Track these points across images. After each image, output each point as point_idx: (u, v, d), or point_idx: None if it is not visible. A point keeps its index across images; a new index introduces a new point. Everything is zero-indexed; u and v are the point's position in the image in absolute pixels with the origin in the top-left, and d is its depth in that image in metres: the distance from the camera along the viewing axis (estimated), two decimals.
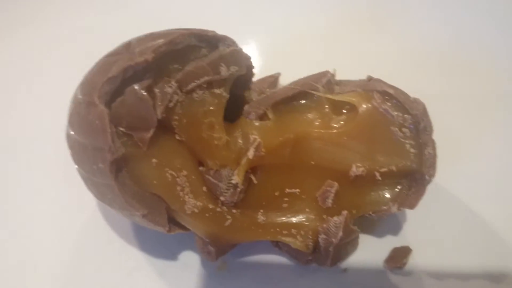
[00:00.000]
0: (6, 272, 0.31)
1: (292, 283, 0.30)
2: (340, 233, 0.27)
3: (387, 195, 0.29)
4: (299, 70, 0.39)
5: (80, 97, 0.25)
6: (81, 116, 0.24)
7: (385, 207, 0.28)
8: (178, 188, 0.26)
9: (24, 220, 0.33)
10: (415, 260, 0.30)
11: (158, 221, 0.26)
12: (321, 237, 0.28)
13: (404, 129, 0.28)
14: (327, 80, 0.30)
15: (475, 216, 0.32)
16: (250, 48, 0.44)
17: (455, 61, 0.41)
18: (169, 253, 0.31)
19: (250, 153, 0.27)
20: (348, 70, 0.32)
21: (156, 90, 0.25)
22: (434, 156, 0.28)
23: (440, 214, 0.32)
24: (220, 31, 0.28)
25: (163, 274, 0.30)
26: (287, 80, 0.39)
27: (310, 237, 0.28)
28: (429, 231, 0.31)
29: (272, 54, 0.44)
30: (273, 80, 0.39)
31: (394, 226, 0.32)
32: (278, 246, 0.30)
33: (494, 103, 0.38)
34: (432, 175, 0.28)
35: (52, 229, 0.33)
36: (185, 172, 0.26)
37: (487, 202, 0.32)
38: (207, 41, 0.27)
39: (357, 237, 0.29)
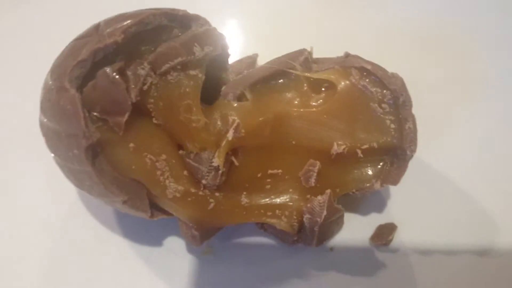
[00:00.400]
0: None
1: (279, 264, 0.30)
2: (325, 212, 0.27)
3: (370, 172, 0.28)
4: (277, 50, 0.38)
5: (51, 82, 0.25)
6: (52, 102, 0.24)
7: (368, 184, 0.28)
8: (158, 172, 0.26)
9: (4, 211, 0.33)
10: (401, 237, 0.30)
11: (139, 206, 0.25)
12: (306, 217, 0.27)
13: (383, 105, 0.28)
14: (304, 58, 0.30)
15: (459, 190, 0.32)
16: (227, 29, 0.43)
17: (434, 36, 0.40)
18: (153, 239, 0.31)
19: (230, 135, 0.26)
20: (327, 49, 0.32)
21: (129, 73, 0.24)
22: (414, 131, 0.27)
23: (424, 190, 0.32)
24: (195, 11, 0.27)
25: (148, 261, 0.30)
26: (265, 61, 0.39)
27: (295, 217, 0.28)
28: (413, 207, 0.31)
29: (249, 35, 0.43)
30: (251, 61, 0.39)
31: (378, 203, 0.32)
32: (263, 228, 0.30)
33: (474, 77, 0.38)
34: (413, 150, 0.27)
35: (34, 219, 0.32)
36: (164, 156, 0.26)
37: (470, 175, 0.32)
38: (179, 21, 0.27)
39: (342, 216, 0.29)
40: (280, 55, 0.32)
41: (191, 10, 0.27)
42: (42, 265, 0.30)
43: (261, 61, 0.39)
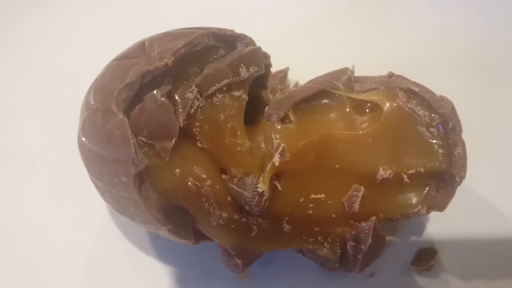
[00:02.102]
0: (20, 285, 0.30)
1: None
2: (369, 240, 0.26)
3: (415, 198, 0.28)
4: (305, 63, 0.38)
5: (93, 103, 0.24)
6: (97, 125, 0.23)
7: (413, 210, 0.27)
8: (203, 199, 0.25)
9: (35, 231, 0.32)
10: (442, 261, 0.30)
11: (183, 234, 0.24)
12: (350, 244, 0.27)
13: (431, 129, 0.27)
14: (347, 78, 0.29)
15: (500, 215, 0.31)
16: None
17: (476, 55, 0.40)
18: (189, 262, 0.30)
19: (276, 160, 0.26)
20: (356, 62, 0.30)
21: (176, 96, 0.24)
22: (464, 157, 0.27)
23: (463, 213, 0.31)
24: (220, 24, 0.27)
25: (184, 286, 0.29)
26: (296, 75, 0.38)
27: (338, 244, 0.27)
28: (454, 231, 0.31)
29: (277, 48, 0.42)
30: (282, 75, 0.38)
31: (418, 227, 0.31)
32: (302, 253, 0.29)
33: None
34: (462, 177, 0.27)
35: (65, 240, 0.31)
36: (209, 182, 0.25)
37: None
38: (225, 41, 0.26)
39: (384, 241, 0.28)
40: (309, 67, 0.31)
41: (211, 24, 0.27)
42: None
43: (291, 75, 0.38)
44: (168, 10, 0.46)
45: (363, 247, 0.26)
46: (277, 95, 0.32)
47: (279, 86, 0.36)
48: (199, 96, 0.24)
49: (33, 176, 0.34)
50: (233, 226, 0.26)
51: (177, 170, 0.24)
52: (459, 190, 0.27)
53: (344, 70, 0.29)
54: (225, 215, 0.25)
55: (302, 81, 0.34)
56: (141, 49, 0.24)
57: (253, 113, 0.28)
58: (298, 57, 0.40)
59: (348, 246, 0.27)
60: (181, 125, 0.23)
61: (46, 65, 0.42)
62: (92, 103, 0.24)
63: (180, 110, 0.23)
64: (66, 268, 0.30)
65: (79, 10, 0.46)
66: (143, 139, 0.23)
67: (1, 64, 0.43)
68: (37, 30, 0.45)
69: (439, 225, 0.31)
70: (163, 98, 0.23)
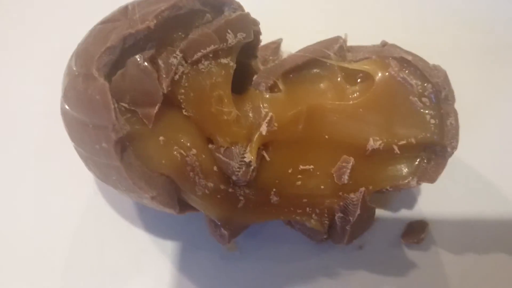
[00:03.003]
0: (8, 258, 0.30)
1: (306, 262, 0.29)
2: (358, 211, 0.26)
3: (406, 169, 0.27)
4: (300, 34, 0.37)
5: (75, 69, 0.23)
6: (78, 90, 0.22)
7: (403, 182, 0.27)
8: (188, 168, 0.24)
9: (20, 203, 0.32)
10: (432, 234, 0.29)
11: (167, 203, 0.24)
12: (338, 215, 0.26)
13: (424, 99, 0.26)
14: (339, 47, 0.28)
15: (491, 187, 0.31)
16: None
17: (471, 27, 0.39)
18: (176, 234, 0.29)
19: (263, 129, 0.25)
20: (354, 33, 0.30)
21: (160, 61, 0.23)
22: (456, 127, 0.26)
23: (456, 186, 0.31)
24: None
25: (170, 257, 0.29)
26: (289, 46, 0.37)
27: (326, 215, 0.27)
28: (445, 203, 0.30)
29: (271, 18, 0.41)
30: (275, 46, 0.37)
31: (408, 200, 0.31)
32: (290, 224, 0.29)
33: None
34: (454, 147, 0.26)
35: (52, 211, 0.31)
36: (194, 151, 0.24)
37: (505, 172, 0.31)
38: (211, 5, 0.25)
39: (374, 213, 0.28)
40: (303, 38, 0.30)
41: None
42: (61, 260, 0.29)
43: (284, 46, 0.37)
44: None
45: (351, 218, 0.26)
46: (269, 65, 0.31)
47: (271, 57, 0.35)
48: (183, 62, 0.24)
49: (18, 147, 0.34)
50: (219, 196, 0.25)
51: (161, 138, 0.23)
52: (450, 162, 0.26)
53: (336, 39, 0.29)
54: (211, 185, 0.25)
55: None
56: (124, 12, 0.23)
57: (242, 82, 0.28)
58: (292, 28, 0.39)
59: (336, 218, 0.26)
60: (165, 91, 0.23)
61: (32, 32, 0.41)
62: (74, 68, 0.23)
63: (164, 76, 0.23)
64: (52, 240, 0.30)
65: None
66: (125, 105, 0.23)
67: None
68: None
69: (430, 198, 0.30)
70: (145, 63, 0.22)
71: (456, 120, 0.26)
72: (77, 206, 0.31)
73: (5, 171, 0.33)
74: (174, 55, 0.23)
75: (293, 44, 0.36)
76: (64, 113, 0.24)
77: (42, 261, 0.29)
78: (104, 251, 0.29)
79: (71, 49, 0.26)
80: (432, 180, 0.27)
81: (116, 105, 0.22)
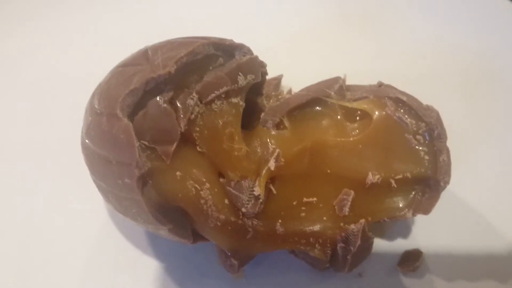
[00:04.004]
0: (21, 282, 0.31)
1: None
2: (359, 242, 0.27)
3: (402, 201, 0.29)
4: (298, 71, 0.39)
5: (98, 108, 0.25)
6: (102, 129, 0.24)
7: (400, 213, 0.29)
8: (202, 201, 0.26)
9: (36, 230, 0.33)
10: (426, 263, 0.31)
11: (182, 234, 0.25)
12: (340, 245, 0.28)
13: (418, 136, 0.29)
14: (339, 86, 0.30)
15: (482, 219, 0.33)
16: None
17: (461, 66, 0.42)
18: (186, 262, 0.31)
19: (271, 164, 0.27)
20: (347, 71, 0.32)
21: (178, 102, 0.25)
22: (448, 163, 0.28)
23: (448, 217, 0.33)
24: (213, 33, 0.28)
25: (180, 284, 0.30)
26: (289, 82, 0.39)
27: (328, 245, 0.28)
28: (438, 233, 0.32)
29: (271, 56, 0.44)
30: (276, 82, 0.39)
31: (403, 229, 0.33)
32: (294, 253, 0.30)
33: (502, 108, 0.39)
34: (447, 182, 0.28)
35: (64, 240, 0.32)
36: (207, 185, 0.26)
37: (495, 205, 0.33)
38: (224, 50, 0.27)
39: (372, 243, 0.30)
40: (302, 75, 0.33)
41: (208, 33, 0.28)
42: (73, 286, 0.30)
43: (284, 82, 0.40)
44: (166, 18, 0.47)
45: (352, 248, 0.28)
46: (271, 101, 0.33)
47: (273, 93, 0.37)
48: (199, 102, 0.25)
49: (35, 177, 0.35)
50: (230, 228, 0.27)
51: (177, 173, 0.25)
52: (443, 195, 0.28)
53: (336, 79, 0.31)
54: (222, 217, 0.26)
55: (295, 88, 0.35)
56: (144, 57, 0.25)
57: (248, 118, 0.30)
58: (291, 65, 0.42)
59: (338, 247, 0.28)
60: (182, 130, 0.24)
61: (48, 69, 0.43)
62: (96, 107, 0.25)
63: (182, 116, 0.24)
64: (66, 267, 0.31)
65: (80, 17, 0.48)
66: (146, 143, 0.24)
67: (6, 67, 0.44)
68: (40, 36, 0.46)
69: (424, 228, 0.32)
70: (165, 105, 0.24)
71: (448, 157, 0.28)
72: (90, 236, 0.32)
73: (20, 199, 0.34)
74: (191, 96, 0.25)
75: (292, 80, 0.39)
76: (85, 148, 0.26)
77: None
78: (116, 278, 0.30)
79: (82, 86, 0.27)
80: (426, 211, 0.28)
81: (138, 143, 0.23)
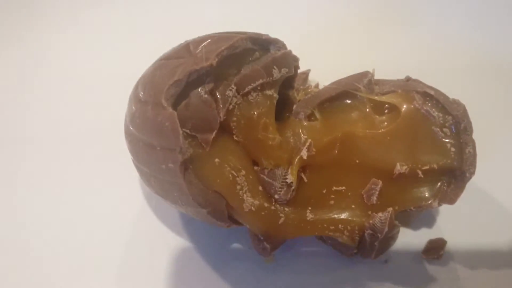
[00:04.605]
0: (56, 269, 0.32)
1: (337, 274, 0.31)
2: (386, 229, 0.29)
3: (428, 191, 0.30)
4: (325, 66, 0.40)
5: (143, 97, 0.26)
6: (147, 117, 0.25)
7: (426, 203, 0.30)
8: (238, 187, 0.27)
9: (73, 215, 0.35)
10: (450, 251, 0.32)
11: (219, 217, 0.27)
12: (368, 232, 0.29)
13: (445, 129, 0.29)
14: (368, 80, 0.31)
15: (505, 209, 0.34)
16: None
17: (488, 60, 0.42)
18: (219, 245, 0.32)
19: (304, 153, 0.28)
20: (374, 65, 0.33)
21: (218, 94, 0.26)
22: (474, 155, 0.29)
23: (473, 207, 0.33)
24: (239, 28, 0.30)
25: (213, 267, 0.31)
26: (316, 76, 0.40)
27: (357, 232, 0.29)
28: (463, 223, 0.33)
29: (299, 51, 0.45)
30: (304, 76, 0.41)
31: (429, 219, 0.33)
32: (322, 239, 0.31)
33: None
34: (472, 173, 0.29)
35: (102, 225, 0.34)
36: (243, 172, 0.27)
37: None
38: (260, 44, 0.29)
39: (398, 231, 0.31)
40: (328, 70, 0.34)
41: (235, 27, 0.30)
42: (110, 271, 0.32)
43: (312, 76, 0.41)
44: (196, 15, 0.49)
45: (379, 235, 0.29)
46: (299, 94, 0.34)
47: (301, 87, 0.38)
48: (237, 94, 0.27)
49: (74, 163, 0.37)
50: (263, 213, 0.28)
51: (216, 160, 0.27)
52: (468, 186, 0.29)
53: (365, 74, 0.32)
54: (256, 202, 0.28)
55: (322, 82, 0.37)
56: (187, 50, 0.27)
57: (281, 110, 0.31)
58: (318, 59, 0.42)
59: (366, 234, 0.29)
60: (221, 119, 0.26)
61: (93, 64, 0.46)
62: (141, 96, 0.26)
63: (221, 106, 0.26)
64: (104, 252, 0.33)
65: (121, 14, 0.51)
66: (187, 131, 0.26)
67: (57, 61, 0.46)
68: (87, 30, 0.49)
69: (449, 218, 0.33)
70: (206, 95, 0.26)
71: (474, 148, 0.29)
72: (126, 220, 0.34)
73: (59, 186, 0.36)
74: (230, 88, 0.26)
75: (319, 74, 0.40)
76: (130, 135, 0.27)
77: (94, 271, 0.32)
78: (152, 262, 0.32)
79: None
80: (451, 201, 0.29)
81: (181, 131, 0.25)
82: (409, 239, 0.33)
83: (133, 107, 0.27)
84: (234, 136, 0.28)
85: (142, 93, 0.27)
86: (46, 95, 0.43)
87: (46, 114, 0.41)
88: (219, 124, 0.26)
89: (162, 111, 0.25)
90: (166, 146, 0.25)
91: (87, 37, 0.48)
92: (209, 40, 0.27)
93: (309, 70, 0.41)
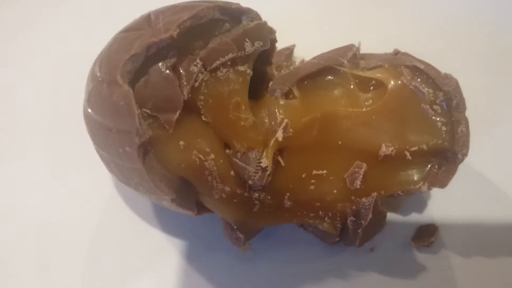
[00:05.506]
0: (25, 256, 0.31)
1: (318, 263, 0.29)
2: (370, 215, 0.26)
3: (417, 174, 0.28)
4: (312, 41, 0.38)
5: (99, 75, 0.24)
6: (103, 96, 0.23)
7: (415, 187, 0.28)
8: (206, 172, 0.25)
9: (41, 203, 0.33)
10: (441, 238, 0.30)
11: (186, 205, 0.25)
12: (350, 219, 0.27)
13: (435, 107, 0.27)
14: (352, 54, 0.29)
15: (500, 193, 0.31)
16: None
17: (482, 35, 0.39)
18: (192, 234, 0.30)
19: (279, 135, 0.26)
20: (364, 40, 0.31)
21: (181, 69, 0.24)
22: (467, 135, 0.27)
23: (465, 191, 0.31)
24: None
25: (186, 257, 0.30)
26: (302, 52, 0.38)
27: (339, 218, 0.27)
28: (455, 208, 0.31)
29: (283, 25, 0.42)
30: (288, 52, 0.38)
31: (418, 204, 0.31)
32: (303, 227, 0.29)
33: None
34: (465, 154, 0.27)
35: (71, 212, 0.32)
36: (212, 156, 0.25)
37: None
38: (230, 14, 0.26)
39: (385, 217, 0.29)
40: (316, 45, 0.31)
41: None
42: (79, 261, 0.30)
43: (297, 52, 0.38)
44: None
45: (363, 222, 0.27)
46: (282, 71, 0.32)
47: (284, 63, 0.36)
48: (203, 69, 0.24)
49: (40, 148, 0.35)
50: (235, 200, 0.26)
51: (181, 143, 0.24)
52: (460, 168, 0.27)
53: (349, 47, 0.29)
54: (227, 189, 0.26)
55: (308, 59, 0.34)
56: (147, 21, 0.24)
57: (257, 88, 0.29)
58: (305, 34, 0.40)
59: (348, 221, 0.27)
60: (185, 98, 0.24)
61: (54, 39, 0.42)
62: (97, 74, 0.24)
63: (185, 83, 0.24)
64: (72, 239, 0.31)
65: None
66: (148, 111, 0.23)
67: (9, 36, 0.43)
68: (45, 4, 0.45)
69: (440, 202, 0.31)
70: (168, 71, 0.23)
71: (467, 127, 0.27)
72: (96, 207, 0.32)
73: (22, 171, 0.34)
74: (195, 63, 0.24)
75: (305, 50, 0.37)
76: (87, 117, 0.25)
77: (62, 259, 0.30)
78: (122, 250, 0.30)
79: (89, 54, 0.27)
80: (443, 185, 0.27)
81: (139, 111, 0.23)
82: (398, 225, 0.31)
83: (90, 86, 0.25)
84: (203, 117, 0.25)
85: (98, 70, 0.24)
86: (9, 77, 0.40)
87: (11, 98, 0.39)
88: (183, 103, 0.24)
89: (117, 89, 0.22)
90: (122, 128, 0.22)
91: (46, 12, 0.45)
92: (171, 10, 0.24)
93: (294, 46, 0.39)
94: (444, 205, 0.31)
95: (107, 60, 0.24)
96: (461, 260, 0.29)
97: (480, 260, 0.29)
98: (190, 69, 0.24)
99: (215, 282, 0.29)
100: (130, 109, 0.22)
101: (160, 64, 0.23)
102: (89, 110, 0.25)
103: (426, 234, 0.30)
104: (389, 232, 0.30)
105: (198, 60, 0.24)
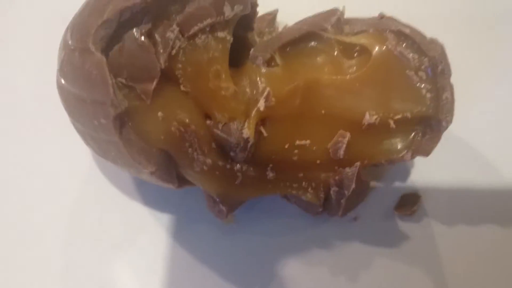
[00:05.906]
0: (2, 232, 0.30)
1: (301, 234, 0.29)
2: (353, 185, 0.26)
3: (401, 143, 0.27)
4: (296, 5, 0.36)
5: (71, 43, 0.23)
6: (74, 65, 0.22)
7: (398, 156, 0.27)
8: (187, 144, 0.24)
9: (19, 177, 0.32)
10: (424, 207, 0.30)
11: (166, 178, 0.24)
12: (333, 189, 0.27)
13: (420, 73, 0.26)
14: (336, 19, 0.28)
15: (484, 162, 0.31)
16: None
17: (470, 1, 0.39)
18: (173, 207, 0.30)
19: (261, 105, 0.25)
20: (349, 4, 0.30)
21: (157, 36, 0.23)
22: (451, 102, 0.26)
23: (449, 159, 0.31)
24: None
25: (168, 229, 0.29)
26: (285, 17, 0.36)
27: (322, 189, 0.27)
28: (438, 177, 0.31)
29: None
30: (271, 17, 0.37)
31: (402, 172, 0.31)
32: (286, 198, 0.29)
33: (509, 49, 0.36)
34: (449, 121, 0.26)
35: (48, 187, 0.31)
36: (193, 127, 0.24)
37: (498, 146, 0.31)
38: None
39: (368, 186, 0.29)
40: (300, 10, 0.30)
41: None
42: (59, 236, 0.29)
43: (280, 17, 0.37)
44: None
45: (346, 192, 0.26)
46: (264, 38, 0.31)
47: (267, 29, 0.34)
48: (180, 36, 0.23)
49: (15, 121, 0.34)
50: (217, 172, 0.25)
51: (159, 114, 0.23)
52: (444, 136, 0.27)
53: (333, 11, 0.28)
54: (209, 161, 0.25)
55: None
56: None
57: (238, 56, 0.27)
58: None
59: (331, 191, 0.27)
60: (162, 66, 0.22)
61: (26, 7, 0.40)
62: (69, 42, 0.23)
63: (161, 51, 0.22)
64: (51, 214, 0.30)
65: None
66: (123, 80, 0.22)
67: None
68: None
69: (424, 171, 0.31)
70: (143, 38, 0.22)
71: (452, 94, 0.26)
72: (75, 180, 0.31)
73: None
74: (171, 29, 0.23)
75: (289, 15, 0.36)
76: (60, 87, 0.24)
77: (41, 234, 0.30)
78: (103, 224, 0.29)
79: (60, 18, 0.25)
80: (426, 153, 0.27)
81: (113, 81, 0.22)
82: (381, 194, 0.31)
83: (62, 55, 0.23)
84: (181, 86, 0.24)
85: (70, 37, 0.23)
86: None
87: None
88: (160, 72, 0.22)
89: (89, 57, 0.21)
90: (95, 98, 0.21)
91: None
92: None
93: (276, 11, 0.37)
94: (427, 173, 0.31)
95: (79, 26, 0.22)
96: (444, 228, 0.29)
97: (462, 228, 0.29)
98: (167, 35, 0.23)
99: (199, 255, 0.29)
100: (104, 78, 0.21)
101: (134, 30, 0.22)
102: (62, 81, 0.23)
103: (409, 203, 0.30)
104: (372, 201, 0.30)
105: (174, 26, 0.23)
